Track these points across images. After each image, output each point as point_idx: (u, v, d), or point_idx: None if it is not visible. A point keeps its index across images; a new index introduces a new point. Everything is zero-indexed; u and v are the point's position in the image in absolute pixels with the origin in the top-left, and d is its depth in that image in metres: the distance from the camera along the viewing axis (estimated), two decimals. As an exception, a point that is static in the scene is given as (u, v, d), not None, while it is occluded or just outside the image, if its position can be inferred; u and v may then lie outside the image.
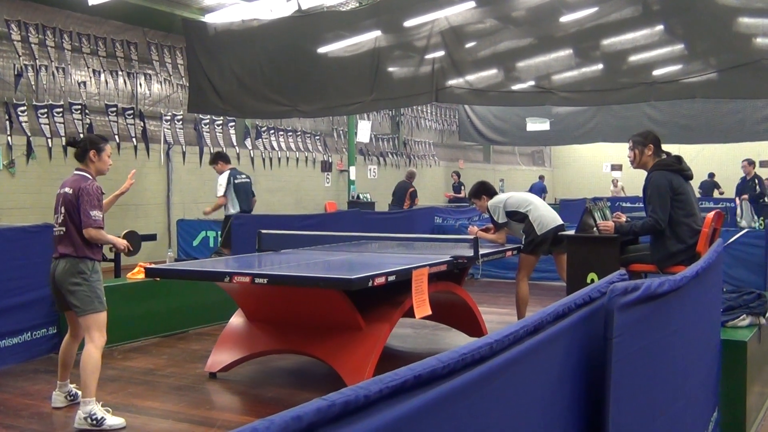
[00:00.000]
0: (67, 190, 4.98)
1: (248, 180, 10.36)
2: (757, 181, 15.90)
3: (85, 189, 4.89)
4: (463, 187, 20.72)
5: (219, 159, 10.22)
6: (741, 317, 4.65)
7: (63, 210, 4.95)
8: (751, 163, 16.32)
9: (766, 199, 15.99)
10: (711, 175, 23.24)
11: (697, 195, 21.15)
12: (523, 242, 7.26)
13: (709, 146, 22.69)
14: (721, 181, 23.55)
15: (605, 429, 2.02)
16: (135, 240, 5.31)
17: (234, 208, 9.90)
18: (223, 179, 9.89)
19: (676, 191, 5.52)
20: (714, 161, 25.07)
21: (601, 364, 2.06)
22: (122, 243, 5.25)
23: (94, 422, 4.74)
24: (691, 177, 5.71)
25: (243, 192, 10.05)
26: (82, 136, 5.66)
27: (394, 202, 16.71)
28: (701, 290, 3.17)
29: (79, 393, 5.02)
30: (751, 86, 8.97)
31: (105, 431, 4.75)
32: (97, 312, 4.89)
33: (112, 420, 4.80)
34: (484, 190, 7.71)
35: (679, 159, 5.68)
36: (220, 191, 9.83)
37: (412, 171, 17.59)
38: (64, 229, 4.95)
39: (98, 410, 4.79)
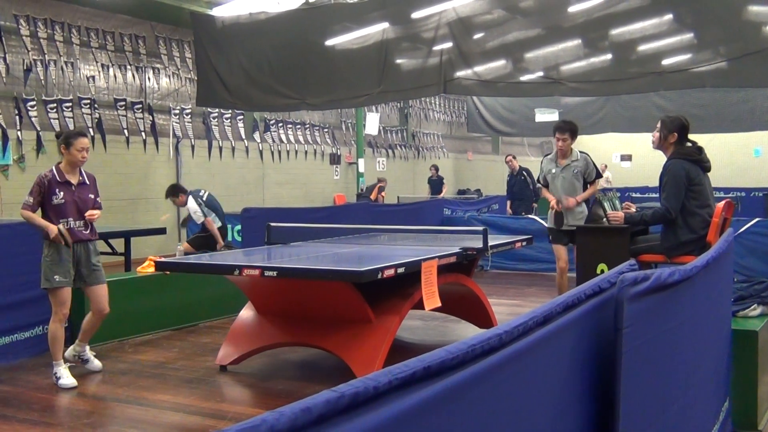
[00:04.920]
0: None
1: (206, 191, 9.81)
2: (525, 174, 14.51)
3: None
4: (444, 184, 20.54)
5: (179, 191, 9.63)
6: (752, 307, 4.64)
7: None
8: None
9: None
10: None
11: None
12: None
13: (720, 135, 22.58)
14: (733, 171, 23.46)
15: (616, 419, 2.02)
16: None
17: (217, 222, 9.40)
18: (193, 205, 9.25)
19: (692, 182, 5.46)
20: (725, 150, 24.97)
21: (611, 354, 2.06)
22: (54, 229, 5.57)
23: (82, 360, 6.00)
24: (709, 169, 5.65)
25: (217, 203, 9.58)
26: (59, 130, 6.30)
27: (365, 193, 18.82)
28: (712, 280, 3.16)
29: (90, 359, 6.05)
30: (761, 74, 8.91)
31: (90, 369, 6.01)
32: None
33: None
34: (577, 132, 7.16)
35: (699, 149, 5.61)
36: (201, 218, 9.24)
37: (384, 178, 19.50)
38: None
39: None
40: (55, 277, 5.57)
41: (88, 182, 5.87)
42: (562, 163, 7.09)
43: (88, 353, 6.05)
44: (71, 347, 6.03)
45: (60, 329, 5.68)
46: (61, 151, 5.72)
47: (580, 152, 7.14)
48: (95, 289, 5.80)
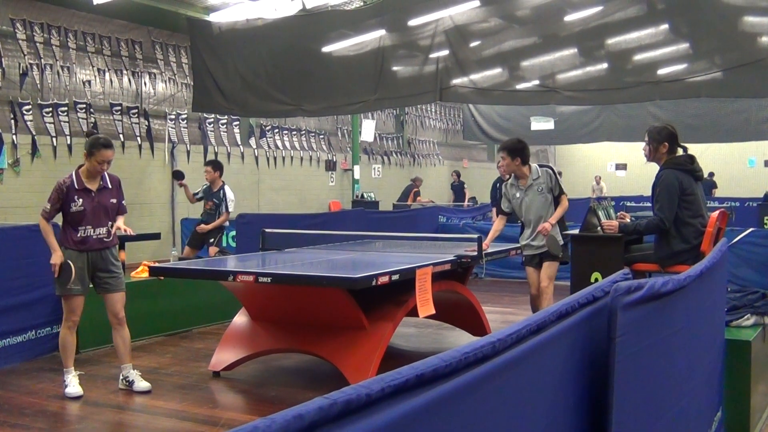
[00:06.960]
0: None
1: None
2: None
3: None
4: (465, 188, 20.66)
5: (221, 168, 9.49)
6: (745, 317, 4.64)
7: None
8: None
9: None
10: (711, 175, 23.28)
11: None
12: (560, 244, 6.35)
13: (714, 145, 22.66)
14: (727, 180, 23.51)
15: (609, 428, 2.01)
16: (65, 272, 5.41)
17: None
18: (231, 195, 9.28)
19: (684, 191, 5.45)
20: (719, 160, 25.07)
21: (604, 363, 2.06)
22: (56, 259, 5.37)
23: (128, 382, 5.63)
24: (701, 178, 5.65)
25: None
26: (96, 134, 5.86)
27: (400, 199, 19.20)
28: (705, 289, 3.16)
29: (135, 381, 5.60)
30: (756, 85, 8.95)
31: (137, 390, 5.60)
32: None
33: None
34: (524, 151, 6.45)
35: (691, 158, 5.60)
36: (231, 207, 9.23)
37: (418, 176, 19.91)
38: None
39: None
40: (67, 284, 5.42)
41: (110, 186, 5.62)
42: (524, 184, 6.47)
43: (132, 374, 5.65)
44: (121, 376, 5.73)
45: (70, 336, 5.54)
46: (85, 158, 5.49)
47: (540, 167, 6.53)
48: (111, 296, 5.59)
